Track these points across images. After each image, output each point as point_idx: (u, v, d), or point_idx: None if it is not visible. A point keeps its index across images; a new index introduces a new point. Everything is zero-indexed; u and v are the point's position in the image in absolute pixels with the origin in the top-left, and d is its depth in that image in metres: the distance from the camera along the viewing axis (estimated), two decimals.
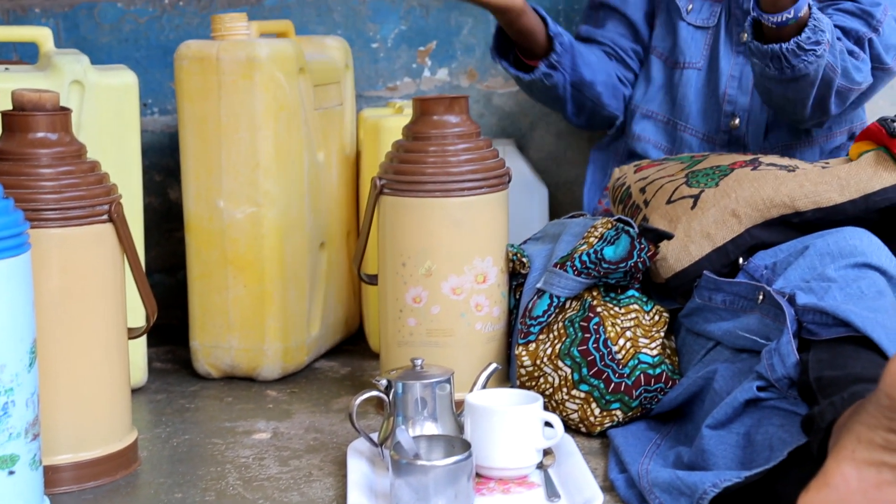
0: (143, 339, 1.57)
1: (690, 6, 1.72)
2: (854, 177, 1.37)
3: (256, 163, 1.62)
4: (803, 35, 1.47)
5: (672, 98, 1.73)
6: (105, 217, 1.29)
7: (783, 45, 1.47)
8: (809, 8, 1.46)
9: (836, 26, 1.57)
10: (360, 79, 1.98)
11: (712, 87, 1.71)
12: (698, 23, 1.71)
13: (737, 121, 1.69)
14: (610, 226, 1.45)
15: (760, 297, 1.28)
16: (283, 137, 1.63)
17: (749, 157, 1.50)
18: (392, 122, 1.72)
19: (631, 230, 1.43)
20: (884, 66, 1.65)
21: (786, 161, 1.47)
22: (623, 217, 1.47)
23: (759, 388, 1.19)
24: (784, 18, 1.45)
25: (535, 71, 1.70)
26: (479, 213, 1.47)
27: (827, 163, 1.45)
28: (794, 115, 1.62)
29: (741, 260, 1.39)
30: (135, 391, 1.56)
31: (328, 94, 1.77)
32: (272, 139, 1.62)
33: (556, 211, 1.98)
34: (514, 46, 1.73)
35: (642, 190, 1.51)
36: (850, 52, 1.59)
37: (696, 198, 1.43)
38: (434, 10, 1.99)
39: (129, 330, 1.35)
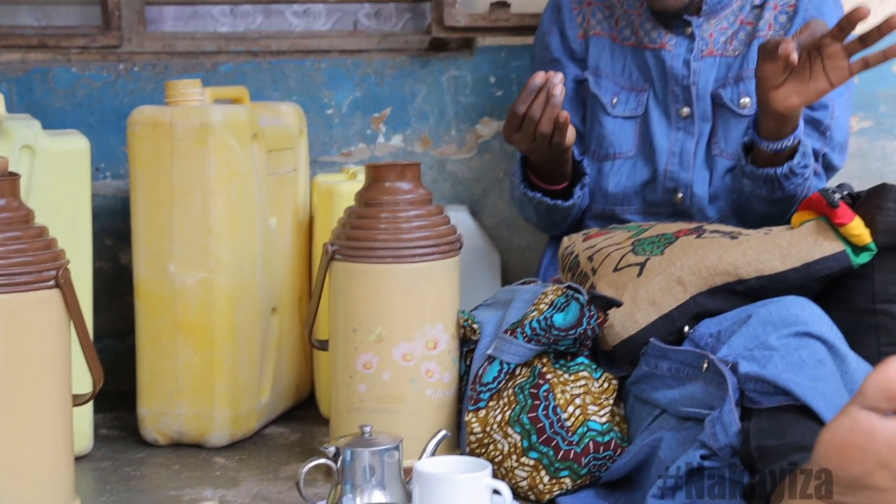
0: (90, 405, 1.55)
1: (616, 99, 1.74)
2: (795, 245, 1.40)
3: (208, 228, 1.62)
4: (795, 160, 1.54)
5: (604, 190, 1.75)
6: (52, 283, 1.28)
7: (778, 169, 1.54)
8: None
9: None
10: (314, 144, 1.99)
11: (650, 169, 1.73)
12: (626, 114, 1.74)
13: (680, 195, 1.72)
14: (560, 293, 1.47)
15: (705, 365, 1.29)
16: (235, 203, 1.63)
17: (694, 226, 1.52)
18: (346, 187, 1.73)
19: (581, 297, 1.44)
20: (836, 170, 1.73)
21: (729, 228, 1.50)
22: (573, 284, 1.48)
23: (703, 457, 1.20)
24: (783, 146, 1.52)
25: (574, 195, 1.71)
26: (431, 280, 1.48)
27: (770, 229, 1.48)
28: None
29: (687, 328, 1.41)
30: (79, 459, 1.53)
31: (282, 159, 1.78)
32: (224, 204, 1.62)
33: (508, 277, 1.99)
34: (527, 175, 1.73)
35: (590, 258, 1.52)
36: (815, 172, 1.65)
37: (643, 266, 1.45)
38: (389, 77, 2.01)
39: (75, 396, 1.34)
